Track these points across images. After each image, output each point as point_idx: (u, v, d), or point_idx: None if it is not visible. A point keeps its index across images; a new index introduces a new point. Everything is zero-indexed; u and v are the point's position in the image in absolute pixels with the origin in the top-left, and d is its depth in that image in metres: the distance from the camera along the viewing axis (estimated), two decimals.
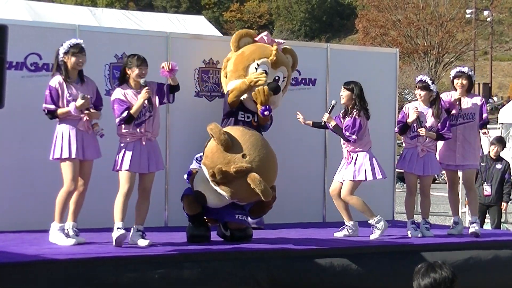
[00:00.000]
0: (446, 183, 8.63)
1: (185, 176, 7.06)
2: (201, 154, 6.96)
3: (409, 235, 7.74)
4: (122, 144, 6.63)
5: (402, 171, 8.01)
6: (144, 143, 6.63)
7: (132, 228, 6.63)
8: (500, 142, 10.97)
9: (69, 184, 6.42)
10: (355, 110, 7.48)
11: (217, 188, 6.46)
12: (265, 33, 8.40)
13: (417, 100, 7.90)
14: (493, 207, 10.77)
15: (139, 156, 6.60)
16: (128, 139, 6.61)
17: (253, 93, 7.75)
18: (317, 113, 8.07)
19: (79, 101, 6.42)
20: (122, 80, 6.75)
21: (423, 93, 7.77)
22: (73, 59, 6.49)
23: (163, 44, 8.27)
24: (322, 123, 7.68)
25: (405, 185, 8.57)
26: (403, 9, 44.30)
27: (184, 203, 6.91)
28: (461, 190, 10.77)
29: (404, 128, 7.81)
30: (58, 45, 6.66)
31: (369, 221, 7.52)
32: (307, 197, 8.98)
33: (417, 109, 7.71)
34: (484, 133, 7.89)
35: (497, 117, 20.70)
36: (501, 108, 23.07)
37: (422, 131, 7.64)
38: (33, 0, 15.10)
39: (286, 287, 6.39)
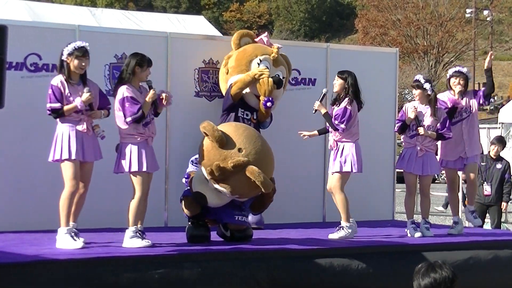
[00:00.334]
0: (446, 183, 8.63)
1: (184, 180, 7.06)
2: (197, 156, 6.97)
3: (409, 235, 7.74)
4: (130, 145, 6.54)
5: (402, 170, 8.01)
6: (149, 143, 6.65)
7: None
8: (500, 141, 10.97)
9: (70, 185, 6.35)
10: (346, 99, 7.47)
11: (216, 186, 6.45)
12: (265, 34, 8.47)
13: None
14: (493, 207, 10.77)
15: (151, 157, 6.61)
16: (139, 139, 6.56)
17: (257, 84, 7.82)
18: (317, 113, 8.06)
19: (85, 95, 6.40)
20: (128, 78, 6.63)
21: (417, 92, 7.80)
22: (75, 61, 6.45)
23: (163, 44, 8.27)
24: (314, 112, 7.67)
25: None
26: (402, 9, 44.34)
27: (183, 205, 6.91)
28: (461, 190, 10.79)
29: (403, 127, 7.82)
30: (58, 46, 6.64)
31: (342, 223, 7.48)
32: (307, 197, 8.99)
33: (416, 108, 7.72)
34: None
35: (497, 117, 20.71)
36: (500, 107, 23.07)
37: (420, 130, 7.65)
38: (33, 1, 15.09)
39: (286, 287, 6.38)
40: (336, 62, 9.09)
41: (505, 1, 51.38)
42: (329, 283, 6.56)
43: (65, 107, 6.38)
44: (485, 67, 8.12)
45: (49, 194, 6.88)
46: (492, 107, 37.77)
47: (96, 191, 7.11)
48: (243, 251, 6.60)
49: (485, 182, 10.64)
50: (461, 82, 7.95)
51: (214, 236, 7.09)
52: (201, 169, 6.63)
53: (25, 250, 6.15)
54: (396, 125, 7.97)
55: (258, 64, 8.05)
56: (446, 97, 8.01)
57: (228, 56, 8.26)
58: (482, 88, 8.15)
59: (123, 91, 6.55)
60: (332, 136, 7.58)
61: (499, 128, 18.30)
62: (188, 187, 6.87)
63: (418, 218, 8.14)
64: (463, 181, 9.93)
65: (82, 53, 6.48)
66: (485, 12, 45.98)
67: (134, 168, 6.50)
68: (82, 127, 6.44)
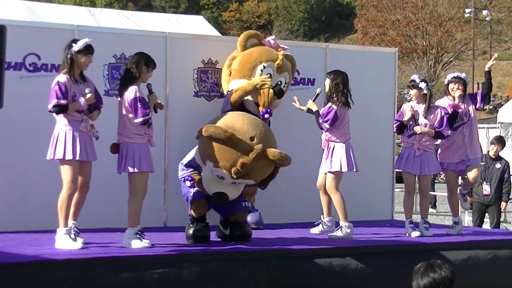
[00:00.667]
0: (445, 183, 8.63)
1: (188, 183, 6.97)
2: (188, 159, 6.98)
3: (408, 235, 7.74)
4: (138, 145, 6.53)
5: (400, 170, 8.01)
6: (152, 144, 6.67)
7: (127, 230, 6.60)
8: (500, 141, 10.98)
9: (70, 186, 6.34)
10: (332, 99, 7.49)
11: (240, 180, 6.49)
12: (272, 37, 8.41)
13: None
14: (492, 206, 10.77)
15: (151, 158, 6.65)
16: (146, 139, 6.59)
17: (258, 94, 7.84)
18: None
19: (88, 95, 6.43)
20: (137, 77, 6.59)
21: (412, 92, 7.85)
22: (84, 59, 6.45)
23: (162, 44, 8.26)
24: (307, 110, 7.73)
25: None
26: (402, 9, 44.29)
27: (193, 207, 6.91)
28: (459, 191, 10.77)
29: (401, 127, 7.83)
30: (57, 46, 6.64)
31: (340, 222, 7.50)
32: (307, 197, 8.97)
33: (413, 108, 7.74)
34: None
35: (496, 117, 20.73)
36: (499, 107, 23.08)
37: (416, 129, 7.67)
38: (32, 1, 15.10)
39: (285, 287, 6.38)
40: (335, 62, 9.08)
41: (504, 1, 51.33)
42: (328, 283, 6.56)
43: (70, 105, 6.38)
44: (486, 68, 8.14)
45: (48, 194, 6.87)
46: (491, 107, 37.75)
47: (96, 191, 7.10)
48: (243, 251, 6.61)
49: (484, 182, 10.64)
50: (460, 87, 7.98)
51: (213, 236, 7.10)
52: (207, 171, 6.60)
53: (25, 250, 6.14)
54: (394, 125, 7.99)
55: (262, 70, 8.00)
56: (445, 103, 8.02)
57: (232, 56, 8.21)
58: (479, 91, 8.18)
59: (135, 90, 6.52)
60: (324, 135, 7.61)
61: (498, 127, 18.33)
62: (194, 190, 6.85)
63: (418, 218, 8.14)
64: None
65: (90, 50, 6.50)
66: (484, 12, 45.96)
67: (144, 168, 6.53)
68: (85, 127, 6.46)
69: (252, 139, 6.41)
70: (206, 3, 63.01)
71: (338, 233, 7.44)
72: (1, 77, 5.37)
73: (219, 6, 63.04)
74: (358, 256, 6.78)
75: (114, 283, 5.72)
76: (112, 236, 6.90)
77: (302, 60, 8.67)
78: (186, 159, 7.12)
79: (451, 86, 8.01)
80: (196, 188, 6.89)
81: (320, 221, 7.83)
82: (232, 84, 8.06)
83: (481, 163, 10.44)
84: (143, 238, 6.50)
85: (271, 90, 7.85)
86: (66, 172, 6.37)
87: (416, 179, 7.96)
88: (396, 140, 10.01)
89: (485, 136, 18.01)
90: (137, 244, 6.40)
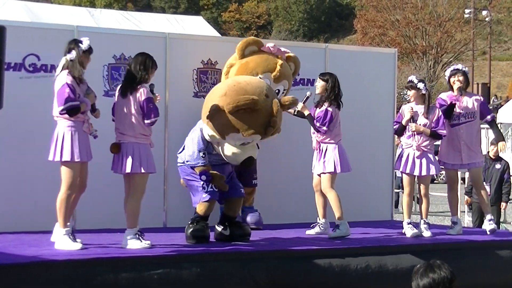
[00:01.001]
0: (445, 183, 8.63)
1: (204, 177, 6.87)
2: (194, 148, 6.96)
3: (407, 235, 7.74)
4: (144, 145, 6.54)
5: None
6: (152, 144, 6.71)
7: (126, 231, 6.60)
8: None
9: (71, 187, 6.35)
10: (326, 101, 7.51)
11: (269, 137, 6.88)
12: (272, 44, 8.24)
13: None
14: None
15: (153, 158, 6.68)
16: (149, 140, 6.63)
17: None
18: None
19: (91, 96, 6.48)
20: (145, 78, 6.58)
21: (410, 92, 7.85)
22: (88, 58, 6.52)
23: (161, 44, 8.26)
24: (296, 113, 7.73)
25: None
26: (401, 9, 44.32)
27: (204, 208, 6.89)
28: (460, 190, 10.77)
29: (400, 129, 7.84)
30: (56, 46, 6.63)
31: (336, 221, 7.51)
32: (307, 197, 8.96)
33: (412, 109, 7.75)
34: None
35: (496, 117, 20.73)
36: (499, 108, 23.09)
37: (411, 126, 7.68)
38: (31, 1, 15.11)
39: (285, 287, 6.38)
40: (334, 63, 9.09)
41: (504, 1, 51.38)
42: (328, 284, 6.56)
43: (81, 106, 6.38)
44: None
45: (48, 195, 6.86)
46: (491, 107, 37.74)
47: (96, 192, 7.12)
48: (242, 251, 6.61)
49: (484, 182, 10.64)
50: (460, 78, 7.96)
51: (213, 236, 7.10)
52: (231, 143, 6.86)
53: (24, 251, 6.14)
54: (394, 127, 8.00)
55: None
56: (446, 96, 8.03)
57: (230, 64, 8.09)
58: (489, 116, 8.09)
59: (147, 91, 6.54)
60: (315, 138, 7.62)
61: None
62: (209, 190, 6.83)
63: (418, 218, 8.14)
64: (461, 181, 9.94)
65: (91, 50, 6.55)
66: (484, 13, 45.94)
67: (151, 169, 6.57)
68: (87, 127, 6.47)
69: (267, 96, 6.76)
70: (206, 4, 63.04)
71: (337, 232, 7.45)
72: (0, 78, 5.37)
73: (219, 7, 63.06)
74: (358, 257, 6.78)
75: (114, 284, 5.72)
76: (111, 237, 6.89)
77: (302, 61, 8.65)
78: (190, 149, 7.02)
79: (452, 79, 8.03)
80: (211, 189, 6.84)
81: (316, 223, 7.84)
82: None
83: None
84: (143, 239, 6.50)
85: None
86: (68, 173, 6.35)
87: (416, 180, 7.97)
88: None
89: (485, 136, 17.99)
90: (137, 245, 6.40)
